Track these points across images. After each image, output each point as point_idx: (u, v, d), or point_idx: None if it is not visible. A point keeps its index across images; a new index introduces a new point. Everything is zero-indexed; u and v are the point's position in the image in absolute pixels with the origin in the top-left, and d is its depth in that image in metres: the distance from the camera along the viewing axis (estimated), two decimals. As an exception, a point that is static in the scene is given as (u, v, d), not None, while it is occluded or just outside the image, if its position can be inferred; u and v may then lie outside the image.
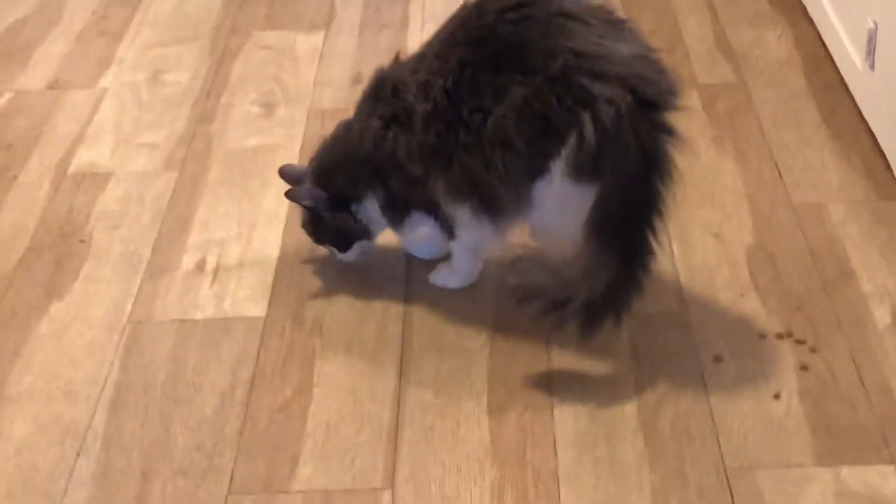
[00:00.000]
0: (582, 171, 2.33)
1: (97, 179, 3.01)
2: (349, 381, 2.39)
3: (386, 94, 2.51)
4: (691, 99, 3.16)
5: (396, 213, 2.60)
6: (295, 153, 3.06)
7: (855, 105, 3.07)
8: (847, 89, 3.13)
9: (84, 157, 3.10)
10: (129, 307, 2.60)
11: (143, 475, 2.20)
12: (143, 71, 3.48)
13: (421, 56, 2.51)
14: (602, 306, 2.34)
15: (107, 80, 3.45)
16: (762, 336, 2.43)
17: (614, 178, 2.31)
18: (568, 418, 2.28)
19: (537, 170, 2.37)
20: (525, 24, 2.36)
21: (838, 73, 3.21)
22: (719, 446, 2.20)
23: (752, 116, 3.11)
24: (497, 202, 2.43)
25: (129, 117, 3.26)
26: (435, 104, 2.42)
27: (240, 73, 3.45)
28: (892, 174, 2.83)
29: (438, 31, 2.50)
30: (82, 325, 2.56)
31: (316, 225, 2.66)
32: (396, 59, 2.56)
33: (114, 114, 3.29)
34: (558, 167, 2.34)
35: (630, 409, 2.29)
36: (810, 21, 3.46)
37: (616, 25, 2.40)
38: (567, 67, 2.31)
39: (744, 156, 2.97)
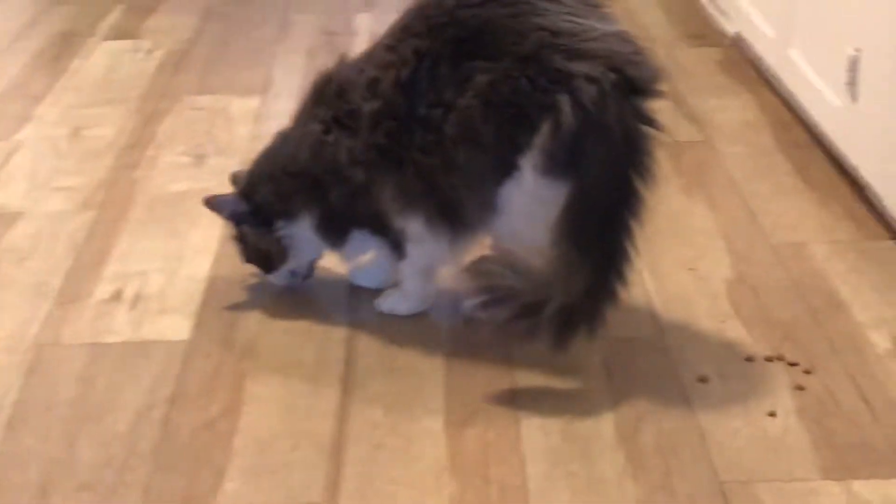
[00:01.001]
0: (556, 164, 2.06)
1: (5, 219, 2.72)
2: (285, 399, 2.09)
3: (328, 96, 2.26)
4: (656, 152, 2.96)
5: (335, 232, 2.32)
6: (227, 198, 2.80)
7: (830, 160, 2.87)
8: (820, 146, 2.94)
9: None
10: (33, 330, 2.29)
11: (40, 490, 1.89)
12: (63, 127, 3.22)
13: (369, 53, 2.26)
14: (577, 314, 2.06)
15: (23, 134, 3.19)
16: (750, 359, 2.17)
17: (594, 168, 2.04)
18: (536, 435, 1.99)
19: (506, 168, 2.10)
20: (490, 6, 2.12)
21: (808, 132, 3.02)
22: (711, 461, 1.91)
23: (722, 170, 2.89)
24: (458, 209, 2.15)
25: (45, 166, 2.99)
26: (385, 101, 2.17)
27: (168, 130, 3.20)
28: (875, 217, 2.61)
29: (391, 25, 2.27)
30: (-22, 350, 2.26)
31: (240, 241, 2.39)
32: (342, 59, 2.32)
33: (28, 163, 3.02)
34: (529, 161, 2.07)
35: (606, 426, 2.01)
36: (772, 89, 3.29)
37: (591, 4, 2.16)
38: (540, 46, 2.06)
39: (715, 202, 2.74)
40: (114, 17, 4.08)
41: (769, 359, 2.17)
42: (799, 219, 2.66)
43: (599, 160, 2.05)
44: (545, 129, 2.05)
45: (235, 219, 2.36)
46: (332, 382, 2.13)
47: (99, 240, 2.62)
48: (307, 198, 2.30)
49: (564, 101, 2.03)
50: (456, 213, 2.16)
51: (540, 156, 2.07)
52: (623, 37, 2.13)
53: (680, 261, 2.49)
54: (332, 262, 2.43)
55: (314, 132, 2.26)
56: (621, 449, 1.95)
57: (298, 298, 2.39)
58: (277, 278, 2.39)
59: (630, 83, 2.06)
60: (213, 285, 2.44)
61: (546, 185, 2.08)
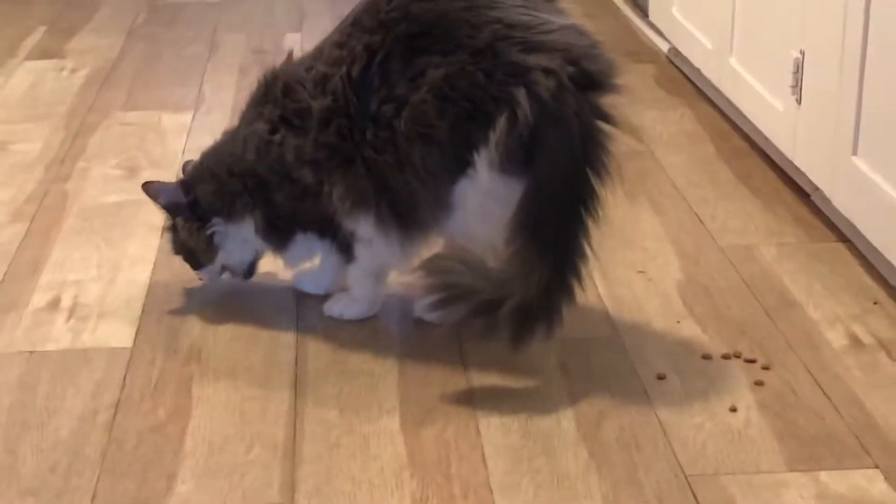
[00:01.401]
0: (512, 161, 2.01)
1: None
2: (234, 403, 2.02)
3: (275, 94, 2.20)
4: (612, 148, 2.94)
5: (280, 235, 2.26)
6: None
7: (772, 166, 2.86)
8: (761, 154, 2.93)
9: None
10: (-33, 341, 2.21)
11: (-18, 497, 1.80)
12: (-13, 143, 3.14)
13: (318, 50, 2.20)
14: (535, 311, 2.01)
15: (-54, 151, 3.10)
16: (707, 357, 2.14)
17: (551, 163, 1.99)
18: (496, 433, 1.94)
19: (460, 165, 2.05)
20: (444, 0, 2.07)
21: (748, 141, 3.01)
22: (675, 455, 1.87)
23: (664, 178, 2.87)
24: (410, 208, 2.10)
25: (-29, 181, 2.91)
26: (335, 98, 2.12)
27: (99, 143, 3.12)
28: (822, 220, 2.60)
29: (340, 22, 2.22)
30: (-89, 358, 2.16)
31: (172, 231, 2.32)
32: (290, 56, 2.27)
33: (-48, 178, 2.94)
34: (485, 159, 2.02)
35: (567, 423, 1.96)
36: (710, 101, 3.28)
37: (544, 1, 2.13)
38: (496, 38, 2.02)
39: (660, 208, 2.72)
40: (35, 38, 3.99)
41: (726, 356, 2.14)
42: (745, 223, 2.64)
43: (556, 154, 2.00)
44: (502, 123, 2.00)
45: (170, 209, 2.29)
46: (283, 385, 2.07)
47: (32, 250, 2.54)
48: (251, 199, 2.24)
49: (521, 95, 1.99)
50: (408, 212, 2.11)
51: (496, 152, 2.02)
52: (579, 30, 2.09)
53: (629, 264, 2.46)
54: (276, 266, 2.37)
55: (260, 132, 2.20)
56: (583, 445, 1.90)
57: (243, 303, 2.32)
58: (205, 275, 2.33)
59: (587, 77, 2.03)
60: (153, 292, 2.37)
61: (502, 182, 2.04)
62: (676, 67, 3.58)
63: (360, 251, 2.20)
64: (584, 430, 1.94)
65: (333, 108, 2.12)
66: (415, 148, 2.06)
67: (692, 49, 3.38)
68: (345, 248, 2.23)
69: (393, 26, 2.08)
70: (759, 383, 2.06)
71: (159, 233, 2.51)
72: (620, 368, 2.11)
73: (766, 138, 2.88)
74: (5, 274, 2.44)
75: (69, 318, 2.29)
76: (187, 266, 2.36)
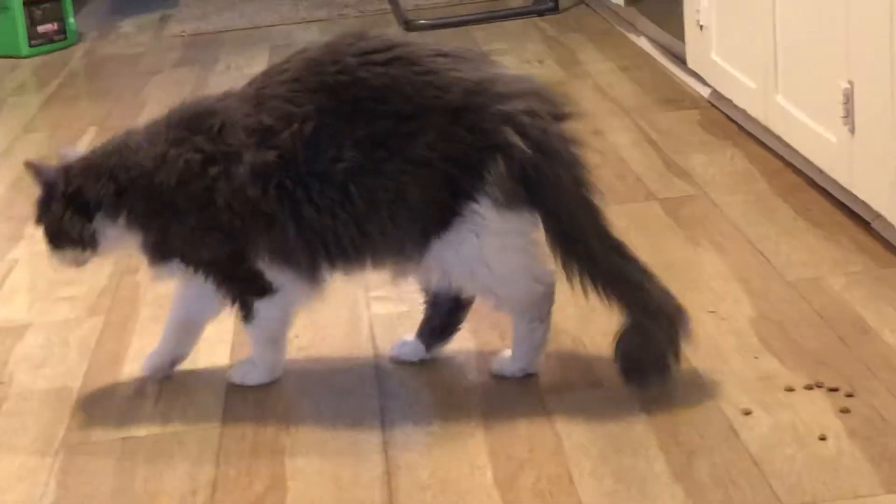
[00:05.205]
0: (515, 196, 2.14)
1: (13, 331, 2.68)
2: (328, 471, 2.05)
3: (209, 128, 2.21)
4: (652, 209, 2.98)
5: (161, 255, 2.28)
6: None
7: (829, 198, 2.88)
8: (816, 187, 2.96)
9: (-3, 315, 2.78)
10: (61, 432, 2.25)
11: (94, 582, 1.84)
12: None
13: (255, 99, 2.22)
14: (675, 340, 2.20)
15: (17, 253, 3.15)
16: (790, 389, 2.15)
17: (558, 190, 2.16)
18: (590, 482, 1.96)
19: (444, 217, 2.15)
20: (396, 66, 2.16)
21: (801, 175, 3.04)
22: (771, 487, 1.89)
23: (722, 218, 2.90)
24: (357, 262, 2.21)
25: (44, 279, 2.95)
26: (280, 154, 2.16)
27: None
28: (885, 246, 2.62)
29: (272, 75, 2.23)
30: (8, 454, 2.20)
31: (42, 207, 2.32)
32: (226, 94, 2.28)
33: (27, 278, 2.99)
34: (487, 201, 2.13)
35: (659, 465, 1.98)
36: (757, 140, 3.31)
37: (487, 59, 2.29)
38: (468, 95, 2.14)
39: (722, 248, 2.74)
40: (87, 138, 4.05)
41: (809, 387, 2.16)
42: (810, 255, 2.66)
43: (559, 182, 2.15)
44: (500, 164, 2.12)
45: (51, 194, 2.30)
46: (373, 450, 2.10)
47: (111, 342, 2.59)
48: (151, 219, 2.26)
49: (513, 137, 2.12)
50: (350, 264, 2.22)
51: (500, 191, 2.13)
52: (526, 77, 2.28)
53: (699, 306, 2.48)
54: (356, 336, 2.41)
55: (190, 161, 2.20)
56: (679, 485, 1.92)
57: (325, 374, 2.36)
58: (60, 258, 2.35)
59: (557, 111, 2.19)
60: (236, 372, 2.41)
61: (513, 216, 2.16)
62: (719, 110, 3.62)
63: (262, 309, 2.27)
64: (677, 471, 1.96)
65: (276, 164, 2.16)
66: (380, 212, 2.15)
67: (735, 91, 3.41)
68: (244, 304, 2.29)
69: (341, 90, 2.16)
70: (844, 410, 2.07)
71: (232, 315, 2.56)
72: (704, 407, 2.13)
73: (819, 171, 2.91)
74: (89, 366, 2.49)
75: (156, 402, 2.33)
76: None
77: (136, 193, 2.26)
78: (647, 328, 2.16)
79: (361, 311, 2.59)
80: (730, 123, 3.51)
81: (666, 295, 2.20)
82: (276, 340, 2.33)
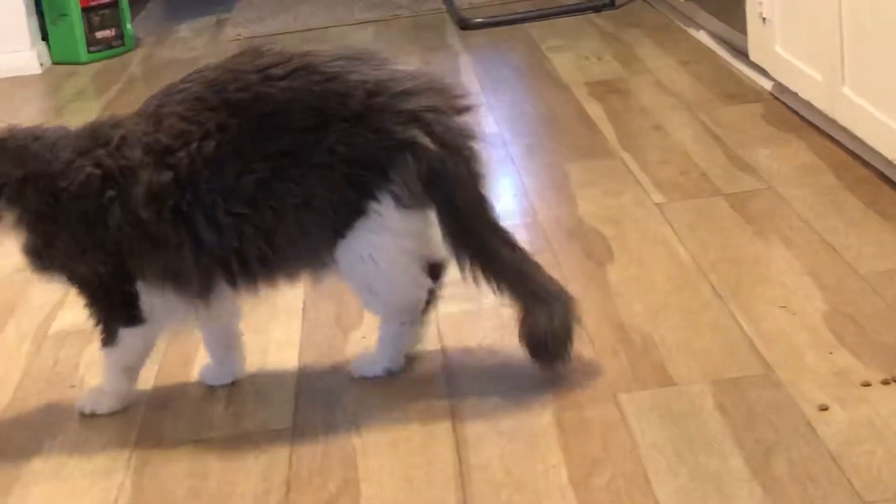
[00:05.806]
0: (416, 195, 2.17)
1: (83, 336, 2.68)
2: (400, 471, 2.05)
3: (109, 140, 2.20)
4: (718, 204, 2.95)
5: (42, 263, 2.24)
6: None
7: (899, 190, 2.86)
8: (885, 180, 2.92)
9: (66, 320, 2.78)
10: (133, 436, 2.25)
11: (171, 584, 1.84)
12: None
13: (152, 117, 2.20)
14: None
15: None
16: (866, 384, 2.13)
17: (462, 185, 2.19)
18: (665, 478, 1.94)
19: (351, 217, 2.17)
20: (296, 77, 2.16)
21: (869, 168, 3.00)
22: (850, 483, 1.87)
23: (790, 212, 2.87)
24: (266, 272, 2.22)
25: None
26: (176, 175, 2.15)
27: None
28: (959, 238, 2.60)
29: (171, 93, 2.22)
30: (81, 458, 2.21)
31: None
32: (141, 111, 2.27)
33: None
34: (389, 201, 2.16)
35: (735, 461, 1.96)
36: (823, 133, 3.28)
37: (383, 56, 2.27)
38: (370, 97, 2.15)
39: (791, 242, 2.71)
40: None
41: (886, 381, 2.13)
42: (881, 248, 2.63)
43: (459, 177, 2.18)
44: (409, 162, 2.14)
45: None
46: (444, 450, 2.09)
47: (180, 344, 2.59)
48: (40, 221, 2.21)
49: (419, 135, 2.14)
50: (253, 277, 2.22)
51: (405, 191, 2.16)
52: (422, 72, 2.28)
53: (770, 301, 2.45)
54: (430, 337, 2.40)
55: (90, 175, 2.18)
56: (756, 482, 1.90)
57: (394, 374, 2.35)
58: None
59: (456, 104, 2.22)
60: (304, 373, 2.41)
61: (412, 217, 2.18)
62: (783, 103, 3.58)
63: (126, 337, 2.26)
64: (754, 467, 1.94)
65: (171, 185, 2.15)
66: (288, 221, 2.16)
67: (800, 83, 3.38)
68: (109, 329, 2.27)
69: (243, 107, 2.15)
70: (923, 405, 2.05)
71: (300, 317, 2.57)
72: (779, 403, 2.11)
73: (889, 163, 2.87)
74: (159, 369, 2.49)
75: (227, 405, 2.33)
76: (333, 348, 2.43)
77: (36, 191, 2.20)
78: (542, 312, 2.21)
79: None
80: (794, 116, 3.48)
81: (553, 283, 2.26)
82: (132, 369, 2.32)
